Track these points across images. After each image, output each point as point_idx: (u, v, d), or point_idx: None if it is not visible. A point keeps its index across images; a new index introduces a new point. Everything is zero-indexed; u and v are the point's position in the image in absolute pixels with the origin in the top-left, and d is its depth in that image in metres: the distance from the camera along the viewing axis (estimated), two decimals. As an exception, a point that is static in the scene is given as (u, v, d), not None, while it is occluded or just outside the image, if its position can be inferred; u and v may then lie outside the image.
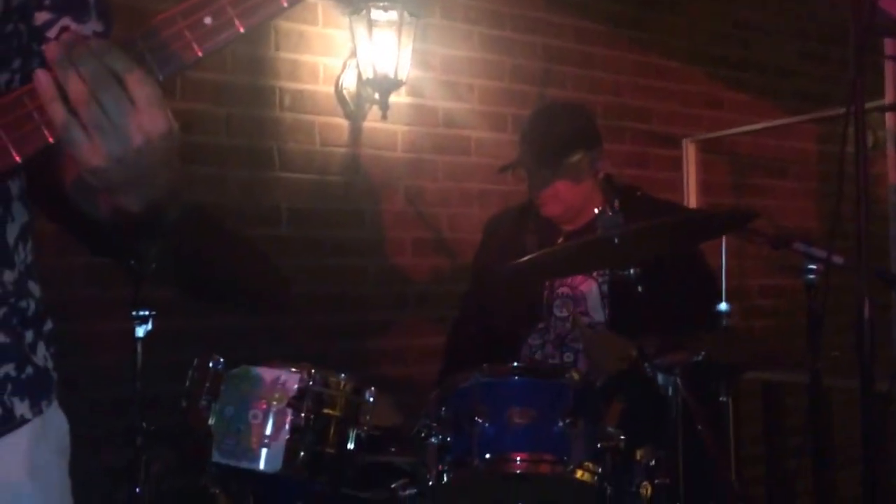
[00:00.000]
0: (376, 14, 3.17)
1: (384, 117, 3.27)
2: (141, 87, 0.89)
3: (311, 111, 3.20)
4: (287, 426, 2.00)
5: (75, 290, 2.74)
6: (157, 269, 2.20)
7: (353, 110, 3.28)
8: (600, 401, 1.98)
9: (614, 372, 2.15)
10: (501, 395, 1.95)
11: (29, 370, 1.10)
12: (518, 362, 2.43)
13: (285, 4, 0.94)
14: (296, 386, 2.02)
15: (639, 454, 1.93)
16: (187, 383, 2.11)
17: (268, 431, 2.01)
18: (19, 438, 1.09)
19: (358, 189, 3.28)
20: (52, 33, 1.11)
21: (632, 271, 2.09)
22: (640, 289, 2.07)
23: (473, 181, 3.51)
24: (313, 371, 2.06)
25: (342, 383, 2.11)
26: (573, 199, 2.52)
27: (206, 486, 2.16)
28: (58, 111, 0.89)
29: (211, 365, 2.08)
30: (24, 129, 0.91)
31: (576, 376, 1.97)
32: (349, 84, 3.27)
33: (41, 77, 0.89)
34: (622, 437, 1.89)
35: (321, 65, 3.24)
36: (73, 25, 1.12)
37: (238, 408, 2.03)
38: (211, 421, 2.02)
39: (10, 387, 1.08)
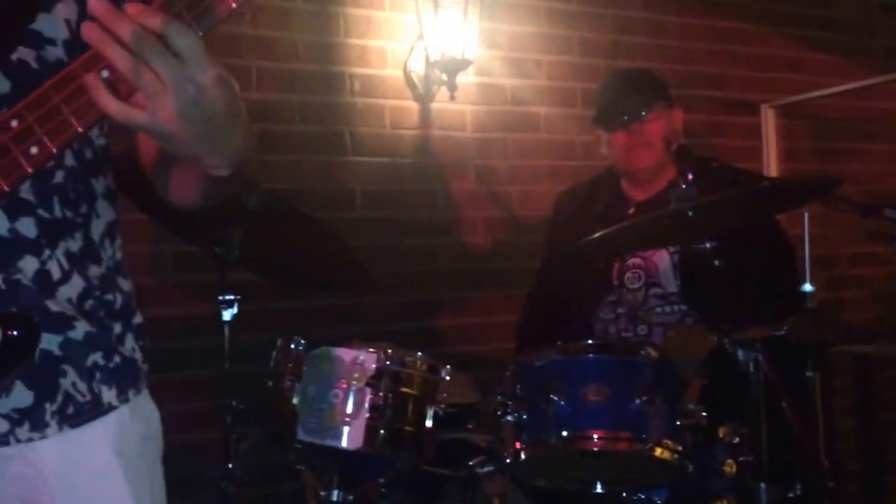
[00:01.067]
0: (442, -6, 3.17)
1: (452, 98, 3.28)
2: (182, 39, 0.90)
3: (380, 95, 3.24)
4: (366, 405, 2.06)
5: (166, 277, 2.86)
6: (241, 255, 2.30)
7: (421, 93, 3.30)
8: (679, 377, 1.97)
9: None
10: (576, 373, 1.96)
11: (116, 359, 1.15)
12: (592, 337, 2.44)
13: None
14: (374, 366, 2.08)
15: (721, 432, 1.92)
16: (272, 364, 2.20)
17: (348, 410, 2.07)
18: (106, 424, 1.14)
19: (429, 170, 3.31)
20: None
21: (707, 245, 2.06)
22: (717, 263, 2.04)
23: (543, 158, 3.49)
24: (390, 351, 2.11)
25: (418, 362, 2.16)
26: (660, 150, 2.46)
27: (293, 462, 2.25)
28: (105, 99, 0.92)
29: (292, 346, 2.16)
30: (83, 99, 0.94)
31: (653, 353, 1.97)
32: (417, 67, 3.29)
33: (80, 69, 0.92)
34: (703, 414, 1.88)
35: (389, 49, 3.27)
36: None
37: (319, 387, 2.10)
38: (295, 400, 2.09)
39: (98, 374, 1.13)
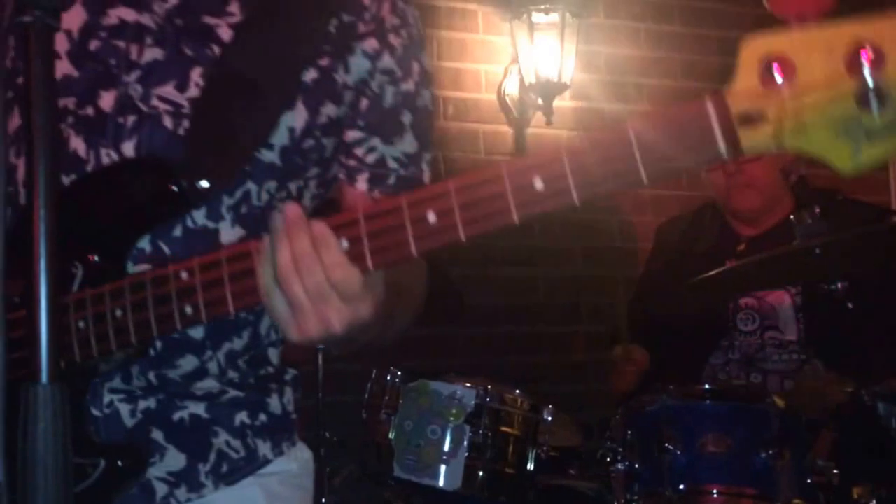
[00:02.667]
0: (537, 17, 3.10)
1: (549, 122, 3.19)
2: (345, 280, 0.85)
3: (474, 119, 3.18)
4: (465, 443, 1.99)
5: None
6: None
7: (516, 117, 3.22)
8: (808, 429, 1.81)
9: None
10: (693, 421, 1.83)
11: (263, 417, 1.12)
12: (701, 383, 2.28)
13: (516, 221, 0.85)
14: (473, 402, 2.01)
15: (856, 492, 1.76)
16: (367, 396, 2.14)
17: (446, 448, 2.00)
18: (262, 477, 1.11)
19: (524, 197, 3.22)
20: (359, 151, 1.11)
21: (839, 285, 1.89)
22: (850, 306, 1.87)
23: (645, 187, 3.35)
24: (489, 387, 2.03)
25: (519, 400, 2.07)
26: (770, 188, 2.31)
27: (388, 499, 2.18)
28: (265, 274, 0.87)
29: (389, 378, 2.09)
30: (245, 283, 0.91)
31: (779, 402, 1.82)
32: (512, 90, 3.22)
33: (254, 250, 0.89)
34: (835, 471, 1.72)
35: (483, 72, 3.21)
36: (382, 147, 1.11)
37: (417, 423, 2.03)
38: (391, 435, 2.03)
39: (249, 432, 1.11)
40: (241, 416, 1.10)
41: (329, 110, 1.09)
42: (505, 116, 3.22)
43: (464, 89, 3.17)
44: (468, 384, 2.04)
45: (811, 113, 0.73)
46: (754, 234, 2.40)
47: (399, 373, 2.10)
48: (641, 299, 2.63)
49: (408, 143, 1.13)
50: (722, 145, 0.75)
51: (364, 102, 1.10)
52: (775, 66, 0.73)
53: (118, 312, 0.96)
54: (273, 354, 1.16)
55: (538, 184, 0.83)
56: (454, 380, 2.07)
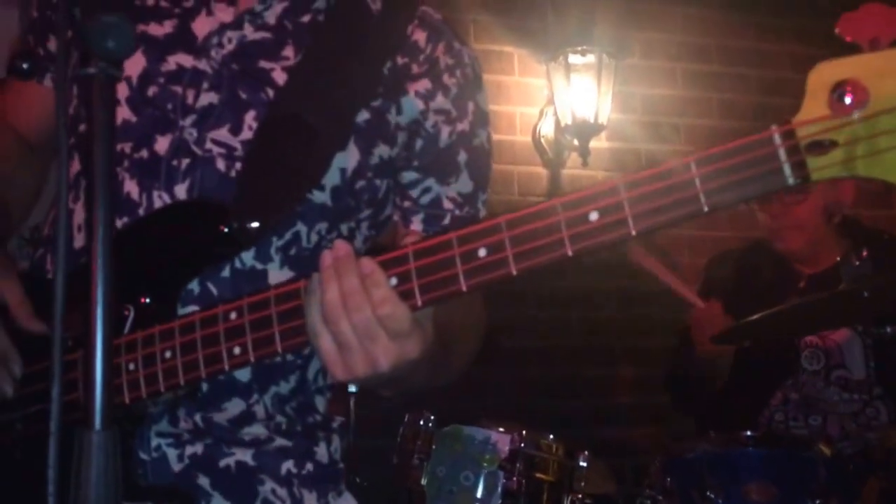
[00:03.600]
0: (574, 59, 3.11)
1: (585, 163, 3.18)
2: (393, 317, 0.84)
3: (509, 161, 3.17)
4: (499, 490, 1.95)
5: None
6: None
7: (551, 158, 3.22)
8: (855, 478, 1.73)
9: None
10: (736, 468, 1.77)
11: (309, 466, 1.10)
12: (753, 424, 2.20)
13: (570, 253, 0.83)
14: (507, 448, 1.97)
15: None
16: (398, 440, 2.11)
17: (479, 494, 1.96)
18: None
19: (559, 238, 3.20)
20: (414, 192, 1.11)
21: (888, 329, 1.83)
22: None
23: (683, 227, 3.29)
24: (524, 433, 1.99)
25: (554, 446, 2.02)
26: (816, 229, 2.26)
27: (421, 547, 2.13)
28: (312, 316, 0.86)
29: (422, 423, 2.06)
30: (293, 322, 0.90)
31: (825, 449, 1.75)
32: (547, 132, 3.22)
33: (313, 280, 0.88)
34: (885, 522, 1.64)
35: (518, 114, 3.22)
36: (437, 188, 1.11)
37: (449, 468, 1.99)
38: (423, 481, 1.99)
39: (296, 481, 1.09)
40: (288, 465, 1.08)
41: (382, 151, 1.09)
42: (540, 158, 3.22)
43: (499, 131, 3.18)
44: (502, 429, 2.01)
45: (886, 139, 0.70)
46: (814, 272, 2.33)
47: (432, 417, 2.07)
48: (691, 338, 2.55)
49: (463, 183, 1.12)
50: (788, 172, 0.74)
51: (418, 143, 1.10)
52: (847, 90, 0.71)
53: (167, 354, 0.96)
54: (320, 402, 1.14)
55: (593, 215, 0.81)
56: (488, 425, 2.04)
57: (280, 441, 1.08)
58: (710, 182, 0.77)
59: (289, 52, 1.08)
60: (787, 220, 2.29)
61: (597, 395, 3.14)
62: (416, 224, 1.10)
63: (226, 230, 1.00)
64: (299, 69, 1.07)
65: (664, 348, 2.77)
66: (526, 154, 3.20)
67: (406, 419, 2.11)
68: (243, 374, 1.05)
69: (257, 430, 1.07)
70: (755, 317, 1.97)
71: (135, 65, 1.08)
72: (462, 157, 1.12)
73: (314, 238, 1.06)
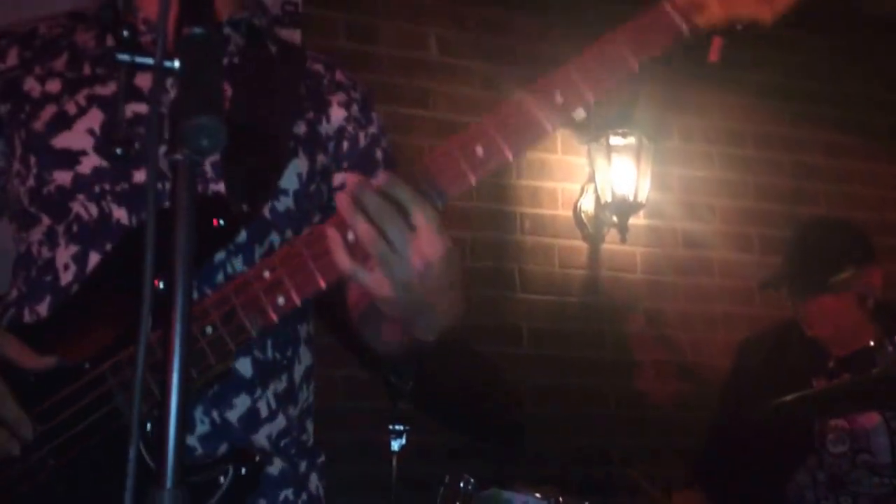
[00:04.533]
0: (615, 140, 3.25)
1: (623, 240, 3.29)
2: (421, 215, 0.98)
3: (550, 234, 3.30)
4: (546, 555, 1.99)
5: (335, 401, 2.95)
6: (414, 386, 2.34)
7: (591, 233, 3.33)
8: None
9: None
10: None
11: (304, 497, 1.20)
12: (779, 501, 2.24)
13: (549, 128, 1.03)
14: (544, 512, 2.02)
15: None
16: (438, 501, 2.18)
17: (515, 556, 2.01)
18: None
19: (597, 310, 3.30)
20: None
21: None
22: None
23: (717, 304, 3.39)
24: (561, 498, 2.05)
25: (588, 512, 2.08)
26: (843, 320, 2.33)
27: None
28: (343, 260, 1.01)
29: (462, 484, 2.14)
30: (328, 257, 1.04)
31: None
32: (587, 207, 3.35)
33: (329, 233, 1.02)
34: None
35: (560, 190, 3.35)
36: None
37: (487, 530, 2.05)
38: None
39: None
40: (287, 493, 1.19)
41: (321, 158, 1.25)
42: (580, 232, 3.34)
43: (541, 206, 3.31)
44: (539, 495, 2.07)
45: None
46: (844, 355, 2.37)
47: (472, 480, 2.15)
48: (727, 416, 2.60)
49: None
50: (683, 25, 1.04)
51: (344, 145, 1.28)
52: None
53: (209, 329, 1.06)
54: (309, 425, 1.25)
55: (558, 98, 1.03)
56: (526, 489, 2.10)
57: (280, 463, 1.17)
58: (634, 45, 1.04)
59: (225, 85, 1.21)
60: (814, 313, 2.35)
61: (632, 465, 3.18)
62: None
63: (220, 223, 1.11)
64: (237, 96, 1.21)
65: (699, 422, 2.82)
66: (567, 228, 3.33)
67: (446, 481, 2.19)
68: (245, 369, 1.14)
69: (263, 440, 1.16)
70: (786, 399, 2.03)
71: (94, 119, 1.18)
72: (378, 154, 1.31)
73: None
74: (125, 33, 0.83)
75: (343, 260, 1.00)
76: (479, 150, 1.02)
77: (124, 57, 0.81)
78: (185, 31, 0.73)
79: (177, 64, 0.74)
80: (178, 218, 0.73)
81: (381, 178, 1.01)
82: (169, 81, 1.09)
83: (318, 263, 1.04)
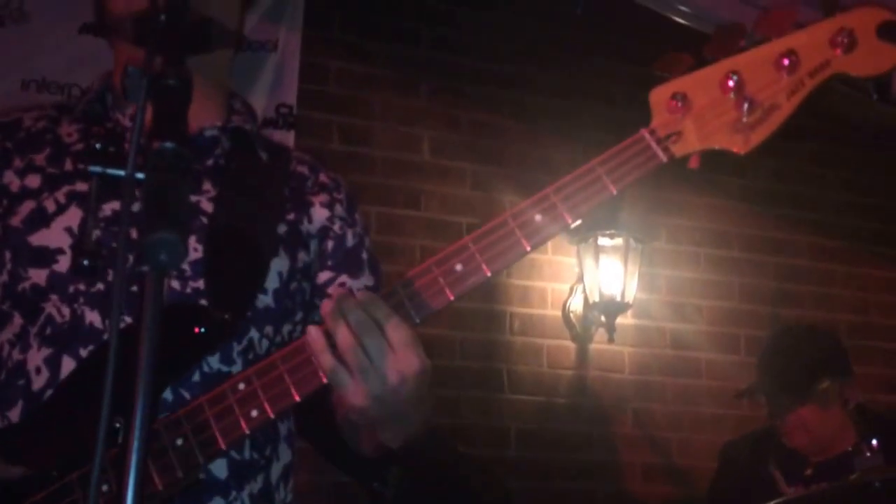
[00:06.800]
0: (603, 241, 3.31)
1: (611, 339, 3.31)
2: (398, 332, 1.03)
3: (539, 334, 3.32)
4: None
5: (320, 504, 2.91)
6: (397, 492, 2.31)
7: (579, 333, 3.36)
8: None
9: None
10: None
11: None
12: None
13: (528, 249, 1.09)
14: None
15: None
16: None
17: None
18: None
19: (585, 411, 3.29)
20: (331, 290, 1.27)
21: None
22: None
23: (706, 405, 3.39)
24: None
25: None
26: (821, 430, 2.35)
27: None
28: (327, 359, 1.04)
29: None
30: (304, 371, 1.07)
31: None
32: (576, 307, 3.38)
33: (313, 332, 1.06)
34: None
35: (550, 289, 3.39)
36: (349, 281, 1.31)
37: None
38: None
39: None
40: None
41: (302, 256, 1.28)
42: (569, 332, 3.36)
43: (530, 305, 3.34)
44: None
45: (711, 122, 1.09)
46: (822, 460, 2.38)
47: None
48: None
49: (367, 278, 1.32)
50: (661, 154, 1.09)
51: (330, 244, 1.31)
52: (678, 101, 1.10)
53: (179, 441, 1.06)
54: None
55: (538, 217, 1.08)
56: None
57: None
58: (613, 173, 1.08)
59: (207, 186, 1.25)
60: (792, 418, 2.36)
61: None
62: None
63: (201, 330, 1.12)
64: (221, 197, 1.24)
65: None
66: (556, 328, 3.35)
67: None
68: (220, 471, 1.14)
69: None
70: None
71: (73, 217, 1.18)
72: (364, 255, 1.34)
73: (265, 343, 1.21)
74: (97, 146, 0.86)
75: (326, 360, 1.04)
76: (459, 267, 1.07)
77: (96, 169, 0.83)
78: (155, 145, 0.75)
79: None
80: (143, 330, 0.74)
81: (361, 295, 1.06)
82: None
83: (293, 377, 1.07)
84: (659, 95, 1.10)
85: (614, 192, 1.08)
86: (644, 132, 1.10)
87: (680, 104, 1.08)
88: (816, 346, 2.46)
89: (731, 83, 1.07)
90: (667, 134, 1.08)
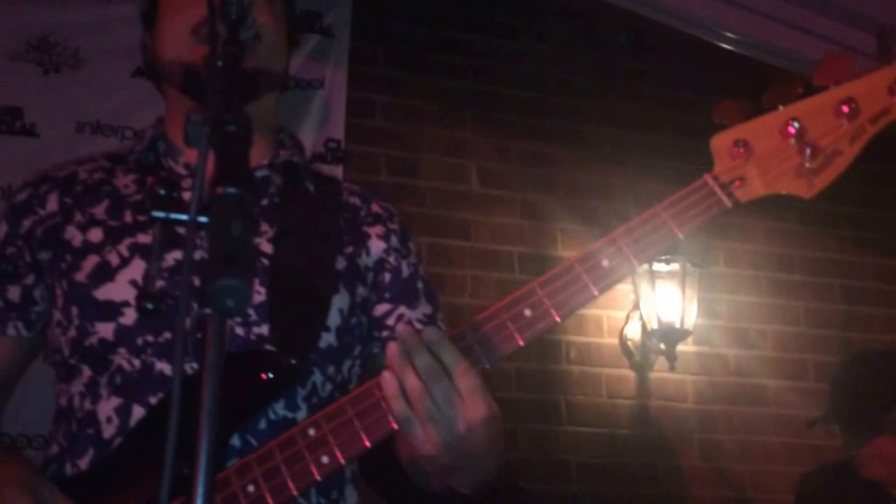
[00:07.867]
0: (658, 267, 3.23)
1: (672, 368, 3.20)
2: (466, 379, 1.00)
3: (597, 363, 3.24)
4: None
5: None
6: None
7: (638, 361, 3.26)
8: None
9: None
10: None
11: None
12: None
13: (596, 293, 1.06)
14: None
15: None
16: None
17: None
18: None
19: (649, 442, 3.17)
20: (390, 321, 1.28)
21: None
22: None
23: (776, 434, 3.24)
24: None
25: None
26: None
27: None
28: (399, 406, 1.01)
29: None
30: (374, 416, 1.04)
31: None
32: (633, 335, 3.29)
33: (387, 378, 1.02)
34: None
35: (605, 317, 3.31)
36: (407, 312, 1.28)
37: None
38: None
39: None
40: None
41: (361, 291, 1.25)
42: (627, 361, 3.27)
43: (586, 334, 3.27)
44: None
45: (774, 168, 1.10)
46: None
47: None
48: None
49: (424, 307, 1.30)
50: (725, 199, 1.09)
51: (386, 276, 1.29)
52: (740, 147, 1.11)
53: (250, 488, 1.03)
54: None
55: (605, 262, 1.05)
56: None
57: None
58: (679, 217, 1.08)
59: (265, 227, 1.24)
60: (871, 448, 2.26)
61: None
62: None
63: (269, 376, 1.10)
64: (280, 237, 1.23)
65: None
66: (613, 357, 3.26)
67: None
68: None
69: None
70: None
71: (137, 269, 1.18)
72: (420, 285, 1.31)
73: (328, 387, 1.19)
74: (161, 192, 0.84)
75: (399, 406, 1.01)
76: (528, 312, 1.04)
77: (159, 214, 0.82)
78: (219, 190, 0.73)
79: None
80: (204, 373, 0.71)
81: (429, 333, 1.03)
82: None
83: (363, 422, 1.04)
84: (720, 142, 1.11)
85: (681, 237, 1.08)
86: (707, 178, 1.10)
87: (742, 150, 1.09)
88: (890, 372, 2.34)
89: (791, 129, 1.09)
90: (730, 179, 1.09)
